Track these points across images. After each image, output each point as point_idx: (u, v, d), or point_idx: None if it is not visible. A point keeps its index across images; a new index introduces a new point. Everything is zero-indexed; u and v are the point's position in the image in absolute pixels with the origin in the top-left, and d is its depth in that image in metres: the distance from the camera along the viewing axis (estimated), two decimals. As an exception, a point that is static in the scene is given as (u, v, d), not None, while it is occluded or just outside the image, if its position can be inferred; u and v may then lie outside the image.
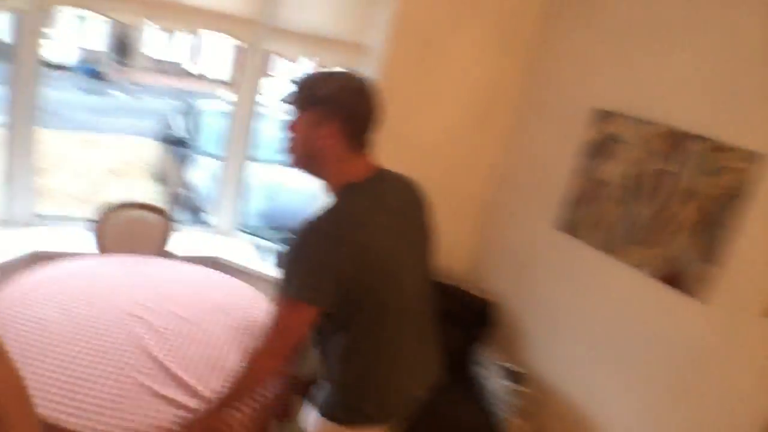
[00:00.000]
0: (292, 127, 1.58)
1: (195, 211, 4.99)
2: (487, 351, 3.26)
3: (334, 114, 1.52)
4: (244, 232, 3.69)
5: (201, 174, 5.39)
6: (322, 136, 1.53)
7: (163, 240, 3.11)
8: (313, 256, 1.45)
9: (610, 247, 2.96)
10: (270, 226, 4.45)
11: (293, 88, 1.57)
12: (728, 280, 2.48)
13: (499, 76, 3.46)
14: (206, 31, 3.05)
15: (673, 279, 2.68)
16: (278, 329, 1.52)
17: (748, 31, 2.60)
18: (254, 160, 3.73)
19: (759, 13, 2.57)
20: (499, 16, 3.38)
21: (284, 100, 1.58)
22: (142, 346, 2.05)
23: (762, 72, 2.53)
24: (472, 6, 3.27)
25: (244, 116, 3.46)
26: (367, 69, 3.15)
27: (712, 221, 2.57)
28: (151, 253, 2.93)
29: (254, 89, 3.41)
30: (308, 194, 5.68)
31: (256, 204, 4.67)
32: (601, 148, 3.07)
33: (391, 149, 3.11)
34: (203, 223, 4.09)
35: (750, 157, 2.47)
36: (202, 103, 6.87)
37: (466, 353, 3.28)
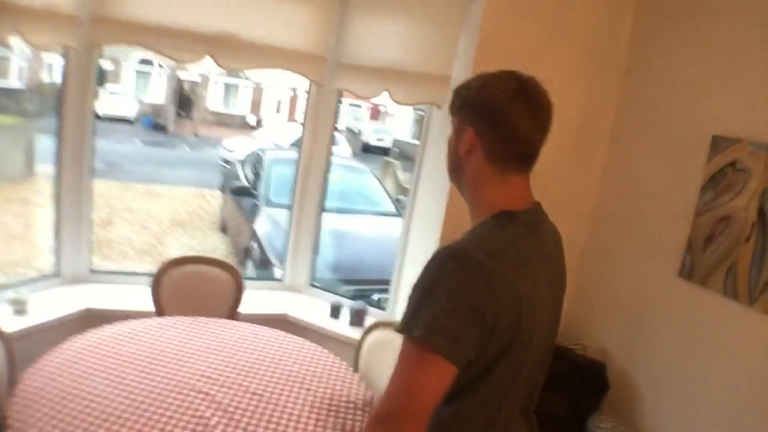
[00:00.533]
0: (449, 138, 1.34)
1: (264, 265, 4.73)
2: (599, 419, 2.81)
3: (476, 117, 1.22)
4: (316, 287, 3.41)
5: (269, 226, 5.17)
6: (463, 144, 1.24)
7: (230, 298, 2.82)
8: (459, 292, 1.06)
9: (743, 294, 2.52)
10: (342, 279, 4.16)
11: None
12: None
13: (591, 104, 3.08)
14: (271, 70, 2.82)
15: None
16: (402, 387, 1.08)
17: None
18: (326, 209, 3.47)
19: None
20: (588, 37, 3.05)
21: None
22: (207, 429, 1.74)
23: None
24: (558, 28, 2.95)
25: (317, 163, 3.21)
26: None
27: None
28: (216, 314, 2.64)
29: (327, 133, 3.16)
30: (381, 244, 5.57)
31: (327, 256, 4.39)
32: (722, 180, 2.65)
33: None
34: (272, 278, 3.84)
35: None
36: (268, 153, 6.71)
37: (574, 422, 2.84)
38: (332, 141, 3.27)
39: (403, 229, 3.26)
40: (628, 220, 3.08)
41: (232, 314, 2.80)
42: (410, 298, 1.11)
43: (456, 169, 1.30)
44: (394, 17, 2.94)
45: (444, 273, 1.07)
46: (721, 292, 2.59)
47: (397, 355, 1.09)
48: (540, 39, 2.92)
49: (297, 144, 3.41)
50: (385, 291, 4.00)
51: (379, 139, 13.72)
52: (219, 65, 2.68)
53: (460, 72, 2.81)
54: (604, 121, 3.15)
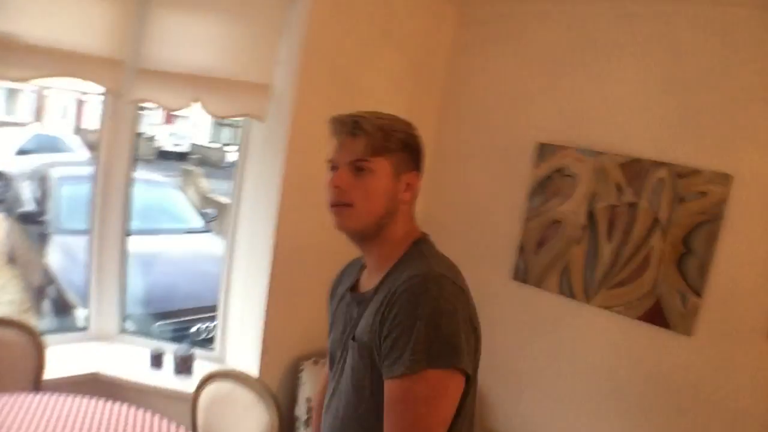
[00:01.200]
0: (362, 173, 1.21)
1: (63, 308, 3.81)
2: None
3: (416, 159, 1.28)
4: (129, 332, 2.90)
5: (64, 258, 4.24)
6: (409, 189, 1.26)
7: (29, 365, 2.23)
8: (453, 310, 1.10)
9: (578, 292, 2.63)
10: (156, 313, 3.61)
11: (349, 126, 1.22)
12: (712, 307, 2.36)
13: (415, 112, 2.89)
14: (60, 79, 2.28)
15: (654, 316, 2.46)
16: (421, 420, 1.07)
17: (694, 45, 2.46)
18: (130, 233, 2.93)
19: (700, 27, 2.42)
20: (411, 45, 2.97)
21: (345, 135, 1.22)
22: None
23: (715, 86, 2.38)
24: (383, 36, 2.82)
25: (117, 179, 2.70)
26: (272, 113, 2.57)
27: (688, 250, 2.39)
28: (15, 388, 2.06)
29: (127, 146, 2.68)
30: (193, 266, 4.98)
31: (135, 287, 3.77)
32: (551, 185, 2.72)
33: (307, 201, 2.59)
34: (75, 326, 3.20)
35: (718, 178, 2.33)
36: (56, 170, 5.45)
37: None
38: (134, 154, 2.77)
39: (226, 250, 2.87)
40: (458, 227, 3.04)
41: (37, 383, 2.22)
42: (409, 329, 1.07)
43: (390, 212, 1.23)
44: (206, 18, 2.53)
45: (433, 298, 1.09)
46: (557, 292, 2.67)
47: (402, 395, 1.08)
48: (365, 46, 2.75)
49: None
50: (207, 320, 3.58)
51: (175, 144, 12.72)
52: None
53: (283, 80, 2.53)
54: (428, 130, 3.05)
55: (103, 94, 2.63)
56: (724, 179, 2.29)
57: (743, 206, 2.29)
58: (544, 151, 2.74)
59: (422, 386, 1.05)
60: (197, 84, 2.51)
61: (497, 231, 2.90)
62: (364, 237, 1.24)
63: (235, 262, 2.85)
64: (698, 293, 2.33)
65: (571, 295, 2.63)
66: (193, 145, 14.12)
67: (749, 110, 2.31)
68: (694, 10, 2.43)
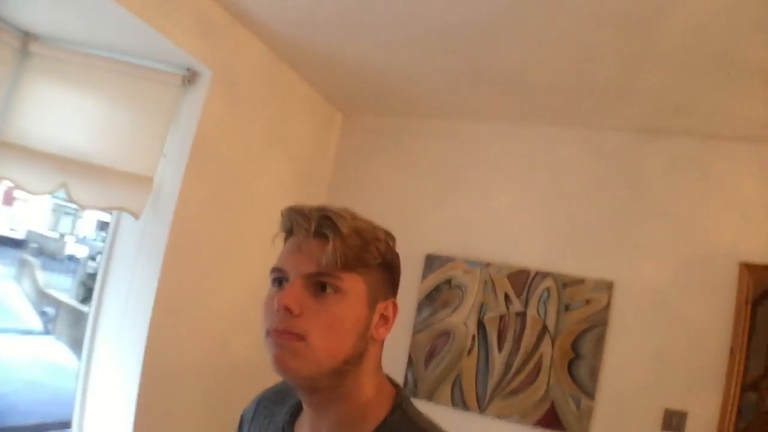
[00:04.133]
0: (325, 293, 0.81)
1: None
2: None
3: (395, 283, 0.90)
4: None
5: None
6: (386, 322, 0.88)
7: None
8: None
9: (471, 403, 2.53)
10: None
11: (315, 221, 0.82)
12: (605, 408, 2.42)
13: None
14: None
15: (550, 421, 2.44)
16: None
17: (570, 164, 2.64)
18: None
19: (577, 143, 2.61)
20: (298, 151, 2.88)
21: (307, 234, 0.83)
22: None
23: (594, 200, 2.58)
24: (273, 138, 2.68)
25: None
26: (150, 210, 2.30)
27: (578, 355, 2.45)
28: None
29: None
30: (30, 373, 4.26)
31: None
32: (439, 296, 2.66)
33: (186, 313, 2.34)
34: None
35: (600, 286, 2.46)
36: None
37: None
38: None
39: (82, 369, 2.42)
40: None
41: None
42: None
43: (357, 355, 0.83)
44: (87, 92, 2.23)
45: None
46: (449, 405, 2.54)
47: None
48: (255, 147, 2.58)
49: None
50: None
51: (11, 230, 11.35)
52: None
53: (167, 175, 2.29)
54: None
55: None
56: (607, 286, 2.40)
57: (626, 310, 2.43)
58: (431, 262, 2.69)
59: None
60: (66, 167, 2.16)
61: (385, 344, 2.77)
62: (315, 389, 0.83)
63: (93, 375, 2.41)
64: (591, 395, 2.37)
65: (465, 407, 2.51)
66: (30, 232, 12.76)
67: (625, 223, 2.50)
68: (573, 132, 2.61)
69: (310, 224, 0.83)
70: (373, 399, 0.86)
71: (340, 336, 0.81)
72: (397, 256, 0.90)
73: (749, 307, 2.36)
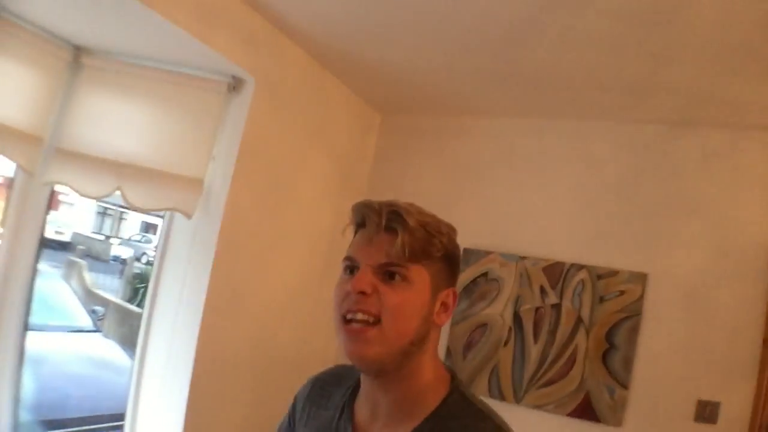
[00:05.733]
0: (394, 281, 0.89)
1: None
2: None
3: (455, 275, 0.97)
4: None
5: None
6: (445, 309, 0.95)
7: None
8: None
9: (508, 394, 2.61)
10: (44, 421, 3.14)
11: (386, 216, 0.90)
12: (639, 398, 2.46)
13: (341, 216, 2.97)
14: None
15: (584, 411, 2.49)
16: None
17: (602, 157, 2.68)
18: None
19: (611, 141, 2.66)
20: (340, 151, 2.99)
21: (378, 227, 0.91)
22: None
23: (627, 194, 2.62)
24: (315, 140, 2.80)
25: (21, 270, 2.39)
26: (201, 210, 2.42)
27: (612, 346, 2.49)
28: None
29: (35, 233, 2.40)
30: (83, 369, 4.45)
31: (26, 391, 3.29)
32: (476, 289, 2.74)
33: (236, 306, 2.46)
34: None
35: (634, 278, 2.49)
36: None
37: None
38: (41, 243, 2.49)
39: (136, 365, 2.56)
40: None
41: None
42: None
43: (421, 339, 0.91)
44: (139, 101, 2.37)
45: None
46: (486, 395, 2.62)
47: None
48: (298, 149, 2.70)
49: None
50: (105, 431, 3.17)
51: (57, 233, 11.71)
52: None
53: (216, 176, 2.39)
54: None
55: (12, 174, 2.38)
56: (640, 278, 2.44)
57: (659, 301, 2.46)
58: (469, 256, 2.76)
59: None
60: (121, 171, 2.30)
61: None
62: (384, 370, 0.90)
63: (146, 371, 2.55)
64: (625, 386, 2.41)
65: (501, 397, 2.59)
66: (75, 234, 13.17)
67: (657, 215, 2.54)
68: (605, 126, 2.66)
69: (380, 219, 0.91)
70: (432, 381, 0.94)
71: (407, 319, 0.89)
72: (458, 247, 0.98)
73: None
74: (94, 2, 1.89)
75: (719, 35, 1.85)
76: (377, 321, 0.87)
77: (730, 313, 2.40)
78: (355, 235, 0.96)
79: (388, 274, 0.89)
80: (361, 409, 0.98)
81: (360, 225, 0.96)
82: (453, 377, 0.97)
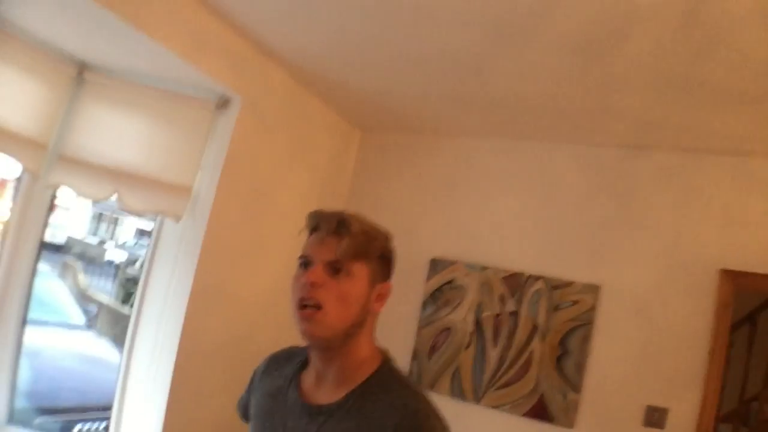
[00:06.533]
0: (339, 274, 1.13)
1: None
2: None
3: (390, 271, 1.22)
4: (17, 423, 2.70)
5: None
6: (381, 299, 1.19)
7: None
8: None
9: (468, 394, 2.82)
10: (38, 407, 3.37)
11: (335, 223, 1.14)
12: (590, 401, 2.63)
13: None
14: None
15: (539, 412, 2.68)
16: None
17: (562, 177, 2.91)
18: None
19: (569, 158, 2.90)
20: (320, 164, 3.23)
21: (328, 232, 1.14)
22: None
23: (583, 211, 2.83)
24: (297, 153, 3.05)
25: (22, 267, 2.62)
26: (189, 215, 2.66)
27: (565, 351, 2.69)
28: None
29: (37, 232, 2.64)
30: (75, 363, 4.67)
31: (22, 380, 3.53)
32: (441, 296, 2.97)
33: (218, 303, 2.68)
34: None
35: (587, 289, 2.70)
36: None
37: None
38: (41, 243, 2.73)
39: (125, 356, 2.78)
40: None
41: None
42: None
43: (359, 322, 1.14)
44: (135, 114, 2.62)
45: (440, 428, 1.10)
46: (449, 395, 2.84)
47: None
48: (281, 161, 2.94)
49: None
50: (92, 421, 3.38)
51: (53, 235, 11.97)
52: None
53: (203, 184, 2.63)
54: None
55: (16, 178, 2.63)
56: (593, 289, 2.65)
57: (611, 311, 2.66)
58: (436, 265, 3.01)
59: None
60: (118, 177, 2.54)
61: (393, 338, 3.04)
62: (329, 347, 1.14)
63: (133, 364, 2.75)
64: (576, 389, 2.61)
65: (462, 397, 2.80)
66: (69, 237, 13.39)
67: (610, 231, 2.75)
68: (564, 148, 2.90)
69: (330, 224, 1.14)
70: (368, 357, 1.17)
71: (349, 305, 1.12)
72: (392, 250, 1.22)
73: (729, 310, 2.52)
74: (98, 26, 2.13)
75: (657, 65, 2.00)
76: (321, 307, 1.10)
77: (679, 325, 2.56)
78: (309, 237, 1.19)
79: (335, 269, 1.12)
80: (308, 378, 1.22)
81: (314, 229, 1.18)
82: (385, 356, 1.20)
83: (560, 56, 2.10)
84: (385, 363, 1.18)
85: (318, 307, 1.09)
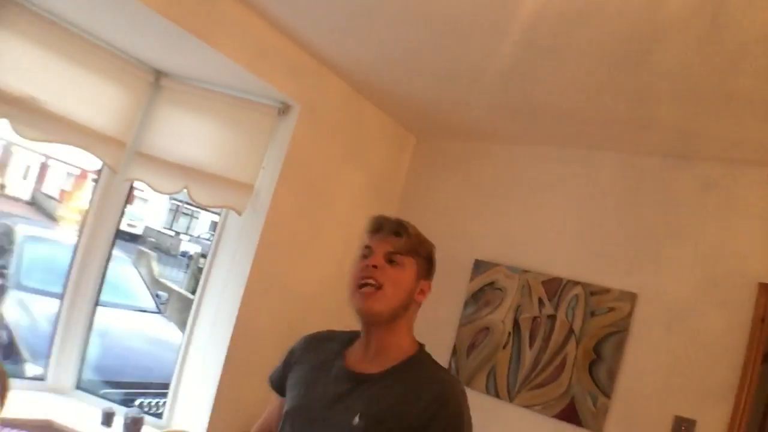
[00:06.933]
0: (394, 264, 1.38)
1: (10, 358, 3.96)
2: None
3: (432, 274, 1.46)
4: (83, 390, 3.04)
5: (20, 312, 4.31)
6: (422, 292, 1.42)
7: None
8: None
9: (503, 392, 2.94)
10: (106, 381, 3.75)
11: (396, 225, 1.41)
12: (620, 408, 2.67)
13: None
14: (67, 145, 2.60)
15: (569, 415, 2.76)
16: None
17: (605, 184, 2.97)
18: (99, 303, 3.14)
19: (613, 166, 2.96)
20: (374, 166, 3.44)
21: (389, 232, 1.40)
22: None
23: (623, 219, 2.88)
24: (352, 156, 3.27)
25: (98, 253, 2.96)
26: (250, 209, 2.93)
27: (599, 357, 2.75)
28: None
29: (113, 222, 2.97)
30: (143, 343, 5.05)
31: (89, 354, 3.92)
32: (482, 296, 3.11)
33: (271, 293, 2.94)
34: (32, 376, 3.31)
35: (624, 296, 2.75)
36: (21, 227, 5.66)
37: None
38: (117, 231, 3.07)
39: (185, 337, 3.07)
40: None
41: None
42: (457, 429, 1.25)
43: (405, 306, 1.38)
44: (205, 118, 2.93)
45: (467, 408, 1.29)
46: (484, 392, 2.98)
47: None
48: (337, 163, 3.18)
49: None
50: (153, 396, 3.71)
51: (130, 225, 12.71)
52: (16, 131, 2.42)
53: (264, 183, 2.89)
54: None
55: (97, 172, 2.96)
56: (630, 297, 2.71)
57: (646, 320, 2.70)
58: (479, 266, 3.15)
59: None
60: (188, 174, 2.86)
61: (435, 334, 3.20)
62: (379, 321, 1.35)
63: (193, 347, 2.98)
64: (607, 395, 2.67)
65: (496, 395, 2.93)
66: (147, 228, 14.20)
67: (650, 240, 2.79)
68: (608, 156, 2.97)
69: (392, 226, 1.41)
70: (409, 342, 1.40)
71: (399, 289, 1.36)
72: (434, 255, 1.46)
73: (765, 324, 2.47)
74: (172, 39, 2.42)
75: (687, 76, 2.07)
76: (380, 287, 1.33)
77: (713, 337, 2.54)
78: (371, 235, 1.42)
79: (391, 259, 1.37)
80: (354, 353, 1.43)
81: (377, 228, 1.42)
82: (422, 345, 1.42)
83: (592, 67, 2.20)
84: (423, 349, 1.42)
85: (378, 286, 1.33)
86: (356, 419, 1.26)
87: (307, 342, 1.55)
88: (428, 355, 1.41)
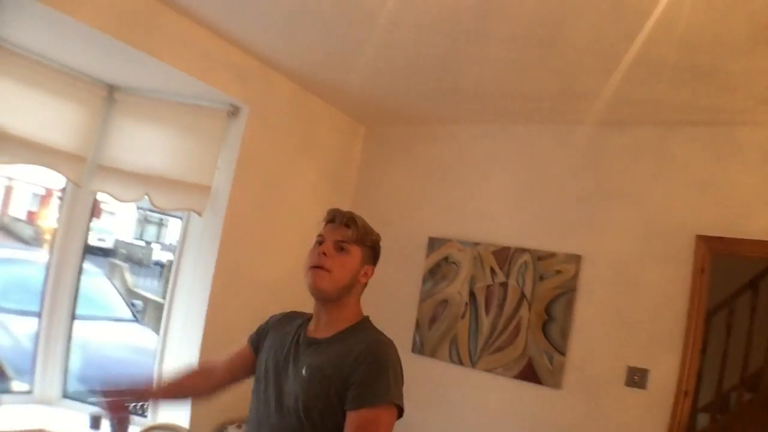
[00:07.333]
0: (342, 251, 1.61)
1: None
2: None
3: (376, 260, 1.70)
4: (70, 398, 3.18)
5: (1, 335, 4.43)
6: (365, 275, 1.66)
7: None
8: (400, 368, 1.54)
9: (465, 359, 3.15)
10: (89, 389, 3.87)
11: (346, 218, 1.64)
12: (575, 363, 2.86)
13: None
14: (30, 165, 2.72)
15: (528, 374, 2.97)
16: None
17: (544, 156, 3.16)
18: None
19: (549, 137, 3.16)
20: (327, 159, 3.61)
21: (340, 223, 1.63)
22: None
23: (564, 187, 3.07)
24: (304, 150, 3.44)
25: (70, 267, 3.09)
26: (210, 210, 3.07)
27: (550, 318, 2.96)
28: None
29: (81, 235, 3.10)
30: (123, 351, 5.12)
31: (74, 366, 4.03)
32: (439, 271, 3.31)
33: (236, 287, 3.10)
34: (8, 391, 3.43)
35: (570, 259, 2.95)
36: None
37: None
38: (86, 245, 3.20)
39: (160, 341, 3.21)
40: (367, 310, 3.54)
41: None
42: (379, 375, 1.48)
43: (350, 286, 1.62)
44: (159, 126, 3.08)
45: (395, 358, 1.54)
46: (447, 360, 3.18)
47: (374, 419, 1.46)
48: (289, 158, 3.34)
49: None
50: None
51: (100, 239, 12.67)
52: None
53: (221, 183, 3.05)
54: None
55: (61, 189, 3.08)
56: (575, 259, 2.91)
57: (592, 279, 2.88)
58: (433, 243, 3.35)
59: (386, 415, 1.47)
60: (148, 181, 3.00)
61: (398, 311, 3.42)
62: (328, 299, 1.60)
63: (168, 349, 3.13)
64: (562, 353, 2.87)
65: (459, 362, 3.14)
66: (117, 240, 14.12)
67: (590, 204, 2.97)
68: (545, 129, 3.17)
69: (343, 218, 1.63)
70: (354, 314, 1.65)
71: (345, 272, 1.60)
72: (379, 246, 1.70)
73: (706, 275, 2.65)
74: (122, 55, 2.55)
75: (608, 49, 2.23)
76: (329, 271, 1.58)
77: (657, 290, 2.71)
78: (325, 225, 1.67)
79: (340, 247, 1.61)
80: (311, 326, 1.69)
81: (331, 220, 1.66)
82: (365, 317, 1.67)
83: (515, 47, 2.37)
84: (366, 319, 1.67)
85: (328, 270, 1.57)
86: (304, 370, 1.55)
87: (284, 315, 1.87)
88: (369, 323, 1.67)
